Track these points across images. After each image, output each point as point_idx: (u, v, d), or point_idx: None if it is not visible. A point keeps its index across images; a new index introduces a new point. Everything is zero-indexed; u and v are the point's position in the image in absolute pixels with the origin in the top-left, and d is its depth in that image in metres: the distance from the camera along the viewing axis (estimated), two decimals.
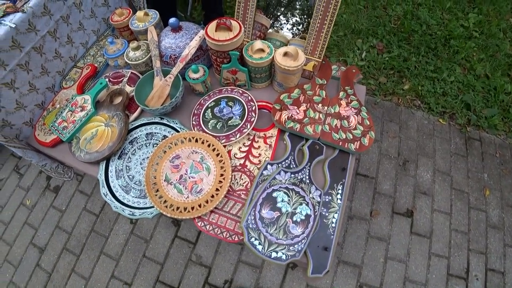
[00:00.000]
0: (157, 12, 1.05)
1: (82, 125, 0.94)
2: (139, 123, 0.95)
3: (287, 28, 1.01)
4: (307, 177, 0.84)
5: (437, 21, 1.94)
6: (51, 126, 0.97)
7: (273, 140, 0.91)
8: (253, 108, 0.93)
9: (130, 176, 0.88)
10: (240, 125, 0.91)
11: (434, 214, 1.45)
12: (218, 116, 0.94)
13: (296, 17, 0.98)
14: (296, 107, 0.92)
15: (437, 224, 1.42)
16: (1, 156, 1.70)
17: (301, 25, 0.99)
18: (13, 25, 0.89)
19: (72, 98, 1.00)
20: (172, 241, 1.34)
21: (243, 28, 0.89)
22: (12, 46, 0.91)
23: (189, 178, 0.85)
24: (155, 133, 0.93)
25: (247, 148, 0.90)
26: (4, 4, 0.93)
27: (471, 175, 1.55)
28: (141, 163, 0.89)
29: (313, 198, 0.81)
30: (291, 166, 0.86)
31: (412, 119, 1.65)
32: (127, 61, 1.00)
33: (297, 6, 0.96)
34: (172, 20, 0.93)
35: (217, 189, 0.82)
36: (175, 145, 0.89)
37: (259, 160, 0.87)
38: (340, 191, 0.84)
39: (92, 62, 1.14)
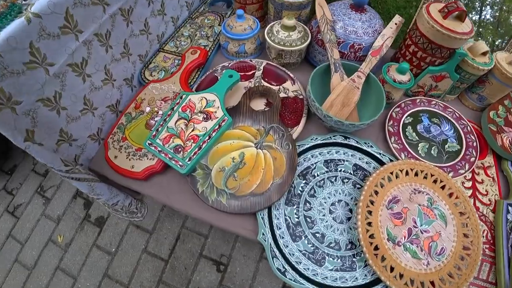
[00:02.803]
0: None
1: (211, 145, 0.47)
2: (310, 144, 0.49)
3: None
4: None
5: None
6: (149, 145, 0.49)
7: (493, 171, 0.60)
8: (468, 129, 0.61)
9: (317, 235, 0.43)
10: (463, 151, 0.58)
11: None
12: (426, 137, 0.57)
13: None
14: (510, 128, 0.62)
15: None
16: (19, 172, 1.14)
17: None
18: None
19: (182, 99, 0.52)
20: None
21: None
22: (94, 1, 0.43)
23: (422, 232, 0.48)
24: (338, 160, 0.49)
25: (470, 184, 0.57)
26: None
27: None
28: (331, 211, 0.45)
29: None
30: None
31: None
32: (274, 44, 0.56)
33: None
34: None
35: (464, 248, 0.48)
36: (389, 181, 0.45)
37: (489, 200, 0.57)
38: None
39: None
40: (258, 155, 0.48)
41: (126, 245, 0.97)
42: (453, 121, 0.60)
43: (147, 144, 0.51)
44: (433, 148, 0.55)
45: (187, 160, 0.48)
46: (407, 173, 0.50)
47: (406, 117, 0.59)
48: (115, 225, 1.01)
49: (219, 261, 0.93)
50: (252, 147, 0.49)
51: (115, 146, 0.55)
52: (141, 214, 0.74)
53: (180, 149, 0.49)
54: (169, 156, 0.49)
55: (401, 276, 0.45)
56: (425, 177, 0.51)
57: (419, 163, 0.51)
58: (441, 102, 0.62)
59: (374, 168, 0.52)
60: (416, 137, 0.56)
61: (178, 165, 0.48)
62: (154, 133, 0.51)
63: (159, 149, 0.50)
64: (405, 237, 0.47)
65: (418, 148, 0.55)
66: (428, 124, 0.58)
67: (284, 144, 0.48)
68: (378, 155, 0.52)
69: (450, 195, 0.51)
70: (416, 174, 0.51)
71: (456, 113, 0.61)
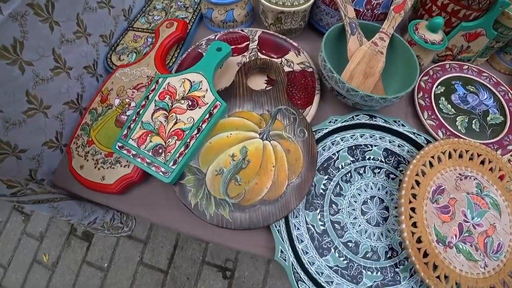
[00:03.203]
0: None
1: (201, 141, 0.35)
2: (330, 128, 0.37)
3: None
4: None
5: None
6: (119, 148, 0.36)
7: None
8: (510, 96, 0.50)
9: (350, 245, 0.33)
10: (508, 123, 0.48)
11: None
12: (464, 109, 0.47)
13: None
14: None
15: None
16: None
17: None
18: None
19: (159, 83, 0.39)
20: None
21: None
22: None
23: (474, 227, 0.38)
24: (365, 145, 0.38)
25: None
26: None
27: None
28: (363, 212, 0.34)
29: None
30: None
31: None
32: (271, 5, 0.44)
33: None
34: None
35: None
36: (431, 166, 0.34)
37: None
38: None
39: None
40: (266, 148, 0.36)
41: (119, 259, 0.85)
42: (491, 87, 0.49)
43: (117, 147, 0.38)
44: (473, 121, 0.45)
45: (171, 164, 0.35)
46: (450, 156, 0.40)
47: (437, 86, 0.47)
48: (105, 237, 0.89)
49: (225, 267, 0.83)
50: (257, 139, 0.37)
51: (80, 153, 0.42)
52: (128, 227, 0.62)
53: (161, 150, 0.37)
54: (147, 160, 0.36)
55: (456, 284, 0.35)
56: (471, 159, 0.41)
57: (463, 142, 0.41)
58: (474, 66, 0.51)
59: (408, 152, 0.41)
60: (452, 110, 0.45)
61: (160, 172, 0.35)
62: (125, 131, 0.39)
63: (134, 152, 0.37)
64: (456, 236, 0.37)
65: (457, 123, 0.44)
66: (464, 93, 0.47)
67: (298, 131, 0.36)
68: (412, 136, 0.41)
69: (501, 177, 0.41)
70: (460, 156, 0.40)
71: (493, 78, 0.50)
